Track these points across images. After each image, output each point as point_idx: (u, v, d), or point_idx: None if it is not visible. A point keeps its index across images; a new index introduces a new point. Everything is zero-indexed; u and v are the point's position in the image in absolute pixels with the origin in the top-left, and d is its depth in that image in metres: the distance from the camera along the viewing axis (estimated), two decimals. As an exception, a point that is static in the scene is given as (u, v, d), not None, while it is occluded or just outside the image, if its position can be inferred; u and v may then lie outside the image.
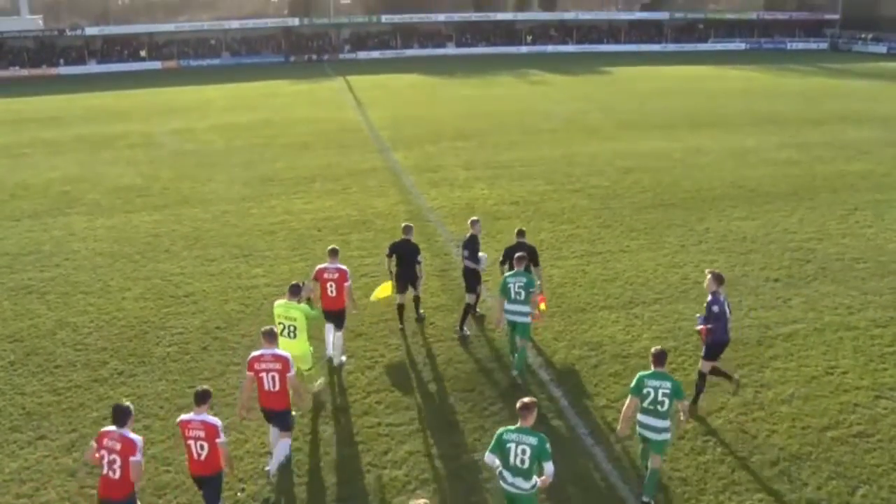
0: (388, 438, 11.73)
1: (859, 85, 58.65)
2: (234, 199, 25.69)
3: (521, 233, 14.81)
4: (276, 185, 27.53)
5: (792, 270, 18.35)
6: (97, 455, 8.82)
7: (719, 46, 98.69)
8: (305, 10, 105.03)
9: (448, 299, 16.98)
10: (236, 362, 14.12)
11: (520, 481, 8.67)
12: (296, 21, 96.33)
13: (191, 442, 9.28)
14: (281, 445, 10.79)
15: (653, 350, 10.20)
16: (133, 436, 8.81)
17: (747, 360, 13.91)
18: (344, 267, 13.70)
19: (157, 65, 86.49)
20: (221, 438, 9.24)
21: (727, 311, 11.94)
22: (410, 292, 15.41)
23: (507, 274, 13.50)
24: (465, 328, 15.24)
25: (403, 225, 15.51)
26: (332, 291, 13.43)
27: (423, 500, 7.78)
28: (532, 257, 14.14)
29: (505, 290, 13.06)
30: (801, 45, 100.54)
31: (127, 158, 33.34)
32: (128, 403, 9.08)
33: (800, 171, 28.33)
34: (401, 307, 15.37)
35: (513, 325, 13.31)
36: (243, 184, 27.89)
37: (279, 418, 10.73)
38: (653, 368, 10.00)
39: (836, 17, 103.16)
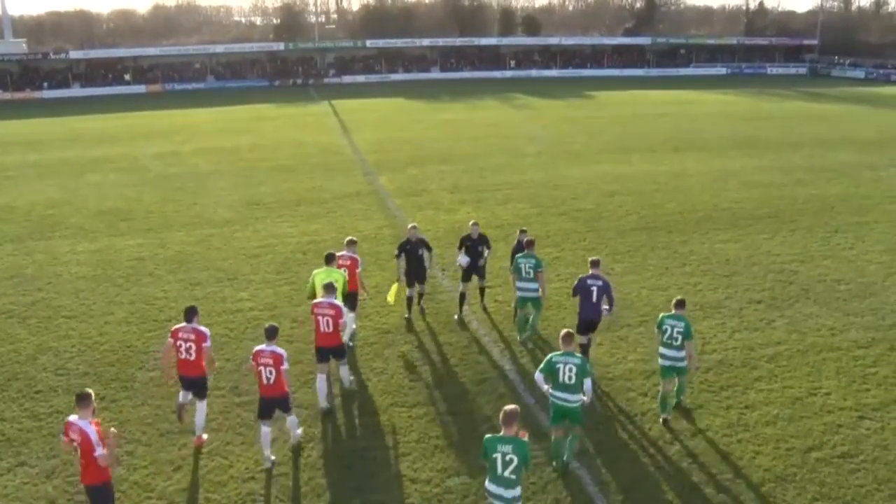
0: (373, 462, 11.67)
1: (838, 109, 59.45)
2: (219, 223, 25.63)
3: (523, 232, 16.70)
4: (261, 209, 27.49)
5: (775, 292, 18.48)
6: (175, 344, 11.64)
7: (701, 71, 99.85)
8: (290, 34, 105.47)
9: (433, 321, 16.96)
10: (220, 387, 14.02)
11: (569, 395, 10.84)
12: (280, 45, 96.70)
13: (261, 369, 11.32)
14: (290, 421, 12.01)
15: (675, 300, 12.65)
16: (203, 328, 11.78)
17: (731, 382, 13.96)
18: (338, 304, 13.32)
19: (141, 88, 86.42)
20: (285, 366, 11.31)
21: (593, 292, 13.80)
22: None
23: (518, 255, 15.51)
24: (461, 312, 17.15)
25: (410, 226, 17.01)
26: (326, 327, 13.07)
27: None
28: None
29: (517, 269, 15.28)
30: (780, 70, 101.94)
31: (111, 182, 33.22)
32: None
33: (781, 194, 28.61)
34: (409, 299, 16.96)
35: (524, 301, 15.39)
36: (228, 207, 27.84)
37: (282, 405, 11.75)
38: (674, 311, 12.43)
39: (815, 42, 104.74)
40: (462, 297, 17.12)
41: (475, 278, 17.16)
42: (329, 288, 13.15)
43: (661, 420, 12.60)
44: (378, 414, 13.13)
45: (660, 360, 12.58)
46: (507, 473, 8.99)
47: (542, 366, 11.03)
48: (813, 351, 15.24)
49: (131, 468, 11.34)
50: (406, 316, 17.03)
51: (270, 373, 11.31)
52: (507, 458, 8.98)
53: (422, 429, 12.61)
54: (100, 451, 9.13)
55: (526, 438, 9.18)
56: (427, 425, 12.71)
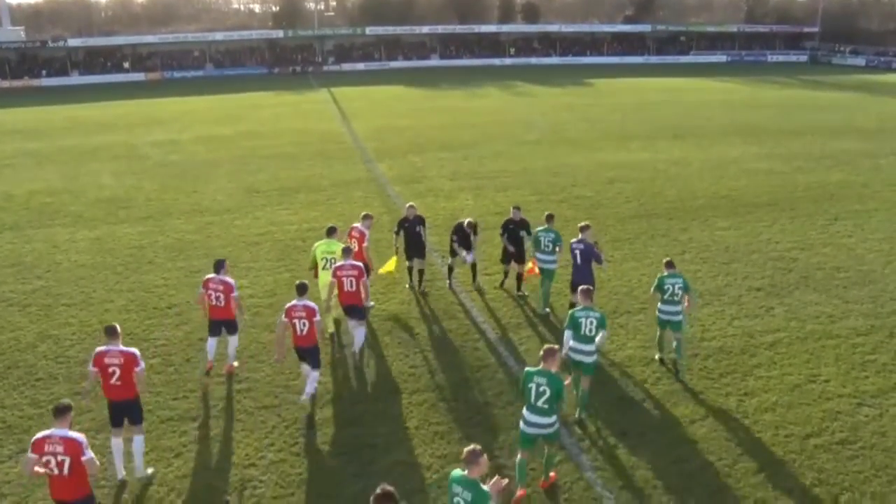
0: (372, 449, 11.70)
1: (838, 97, 59.34)
2: (219, 211, 25.62)
3: (517, 208, 17.54)
4: (261, 197, 27.48)
5: (774, 280, 18.49)
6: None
7: (701, 58, 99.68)
8: (289, 21, 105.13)
9: (433, 307, 16.99)
10: (220, 374, 14.05)
11: (589, 347, 11.93)
12: (279, 33, 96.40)
13: (296, 321, 12.40)
14: (313, 377, 12.83)
15: (665, 261, 13.97)
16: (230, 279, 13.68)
17: (730, 369, 13.99)
18: (359, 263, 14.52)
19: (140, 76, 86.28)
20: (318, 318, 12.44)
21: (577, 255, 15.17)
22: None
23: (539, 229, 16.42)
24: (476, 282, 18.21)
25: (408, 205, 18.01)
26: (350, 286, 14.20)
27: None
28: (526, 228, 17.17)
29: (536, 243, 16.27)
30: (781, 58, 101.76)
31: (110, 170, 33.18)
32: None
33: (781, 182, 28.60)
34: (410, 269, 17.96)
35: (542, 272, 16.32)
36: (227, 195, 27.83)
37: (311, 355, 12.74)
38: (667, 271, 13.66)
39: (816, 29, 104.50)
40: (505, 275, 18.09)
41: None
42: (347, 251, 14.43)
43: (657, 358, 14.31)
44: (378, 400, 13.16)
45: (658, 315, 13.85)
46: (540, 403, 10.07)
47: (567, 323, 12.16)
48: (812, 338, 15.27)
49: (129, 454, 11.36)
50: (409, 284, 18.16)
51: (304, 325, 12.49)
52: (541, 389, 10.05)
53: (422, 415, 12.64)
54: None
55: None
56: (427, 412, 12.74)
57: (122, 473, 10.96)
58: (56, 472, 8.75)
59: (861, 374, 13.77)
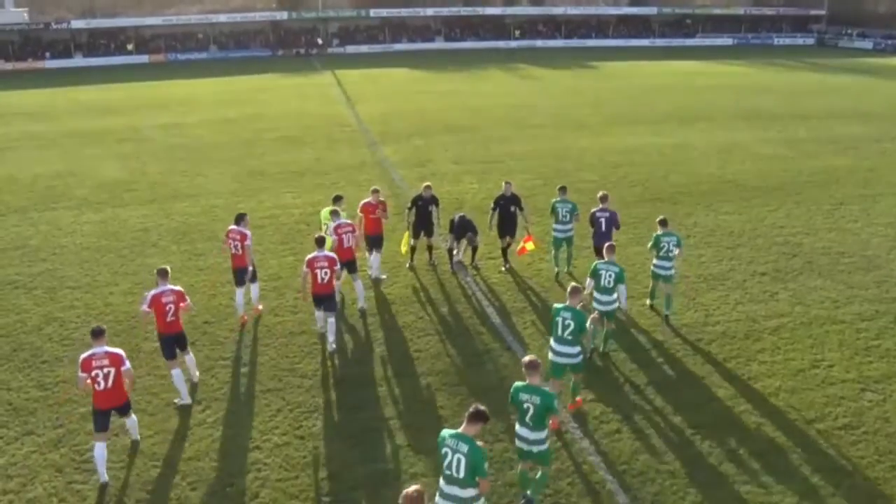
0: (378, 432, 11.75)
1: (845, 80, 58.96)
2: (223, 194, 25.62)
3: (508, 183, 18.15)
4: (265, 180, 27.46)
5: (779, 265, 18.46)
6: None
7: (707, 41, 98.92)
8: (294, 3, 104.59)
9: (436, 293, 17.00)
10: (225, 357, 14.12)
11: (607, 297, 13.40)
12: (284, 15, 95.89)
13: (318, 270, 13.91)
14: (331, 324, 14.25)
15: (659, 219, 15.59)
16: (246, 230, 15.37)
17: (734, 354, 14.00)
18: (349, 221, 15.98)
19: (144, 58, 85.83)
20: (338, 266, 14.27)
21: (602, 223, 16.60)
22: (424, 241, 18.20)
23: (556, 200, 17.54)
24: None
25: (424, 185, 18.22)
26: (348, 242, 15.58)
27: (414, 488, 7.76)
28: (517, 203, 17.85)
29: (555, 213, 17.35)
30: (787, 41, 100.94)
31: (115, 153, 33.16)
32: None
33: (787, 166, 28.49)
34: (413, 249, 18.08)
35: (559, 241, 17.46)
36: (232, 178, 27.81)
37: (329, 301, 14.24)
38: (661, 230, 15.14)
39: (823, 12, 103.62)
40: (503, 251, 18.47)
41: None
42: (336, 213, 15.77)
43: (648, 304, 15.98)
44: (382, 384, 13.20)
45: (653, 269, 15.41)
46: (566, 334, 11.50)
47: (590, 272, 13.54)
48: (816, 323, 15.26)
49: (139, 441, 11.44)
50: (409, 265, 18.34)
51: (326, 273, 14.00)
52: (567, 322, 11.43)
53: (426, 399, 12.68)
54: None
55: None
56: (431, 396, 12.79)
57: (104, 477, 10.58)
58: (102, 385, 10.48)
59: (865, 360, 13.77)
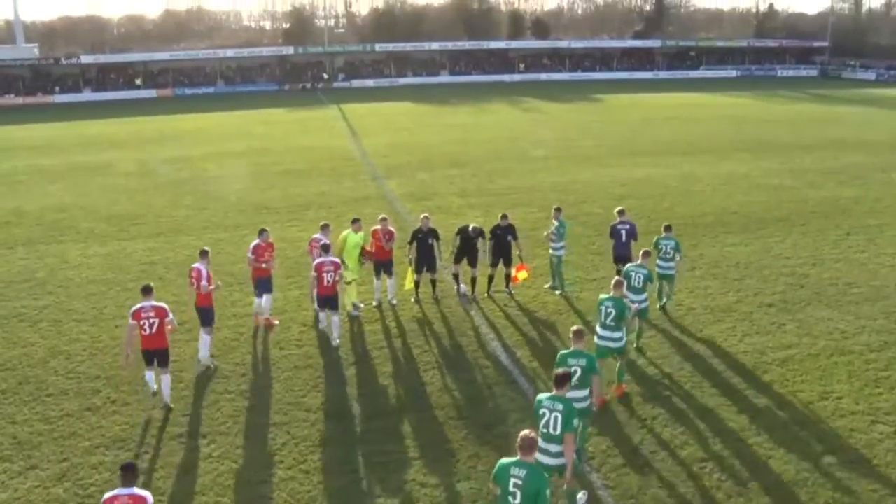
0: (383, 467, 11.65)
1: (849, 111, 59.20)
2: (229, 227, 25.71)
3: (504, 216, 18.59)
4: (271, 213, 27.55)
5: (786, 296, 18.39)
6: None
7: (711, 73, 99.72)
8: (300, 38, 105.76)
9: (441, 326, 16.97)
10: (230, 390, 14.06)
11: (638, 297, 14.66)
12: (290, 50, 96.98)
13: (325, 274, 15.43)
14: (335, 322, 15.85)
15: (664, 225, 17.57)
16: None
17: (742, 386, 13.89)
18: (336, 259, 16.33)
19: (152, 93, 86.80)
20: (341, 270, 15.78)
21: (622, 234, 18.00)
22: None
23: (660, 237, 17.71)
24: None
25: (422, 216, 18.38)
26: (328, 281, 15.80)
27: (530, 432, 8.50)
28: (512, 232, 18.27)
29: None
30: (791, 72, 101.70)
31: (121, 186, 33.36)
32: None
33: (792, 197, 28.50)
34: (417, 283, 18.12)
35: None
36: (238, 211, 27.92)
37: (333, 301, 15.67)
38: (663, 234, 17.02)
39: (825, 44, 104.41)
40: (490, 279, 18.68)
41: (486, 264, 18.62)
42: (326, 248, 16.19)
43: (658, 307, 17.30)
44: (387, 417, 13.12)
45: (657, 269, 16.80)
46: (608, 321, 12.99)
47: (622, 275, 14.64)
48: (825, 354, 15.15)
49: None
50: (414, 298, 18.29)
51: (331, 276, 15.39)
52: (609, 310, 12.96)
53: (431, 433, 12.59)
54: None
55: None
56: (436, 430, 12.69)
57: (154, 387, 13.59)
58: (148, 331, 12.99)
59: (875, 391, 13.64)
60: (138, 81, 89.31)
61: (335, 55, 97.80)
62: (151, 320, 12.97)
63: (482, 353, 15.62)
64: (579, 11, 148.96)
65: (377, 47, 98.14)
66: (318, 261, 15.73)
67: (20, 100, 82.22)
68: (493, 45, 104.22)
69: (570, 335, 11.27)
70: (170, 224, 26.38)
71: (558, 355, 11.32)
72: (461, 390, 14.04)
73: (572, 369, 10.83)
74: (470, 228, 18.26)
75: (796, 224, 24.73)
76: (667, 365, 14.81)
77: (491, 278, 18.65)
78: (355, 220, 17.84)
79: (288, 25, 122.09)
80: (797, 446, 11.93)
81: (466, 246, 18.09)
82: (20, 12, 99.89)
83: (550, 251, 18.87)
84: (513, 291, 18.71)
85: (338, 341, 15.79)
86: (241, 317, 17.65)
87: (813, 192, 29.37)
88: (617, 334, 13.08)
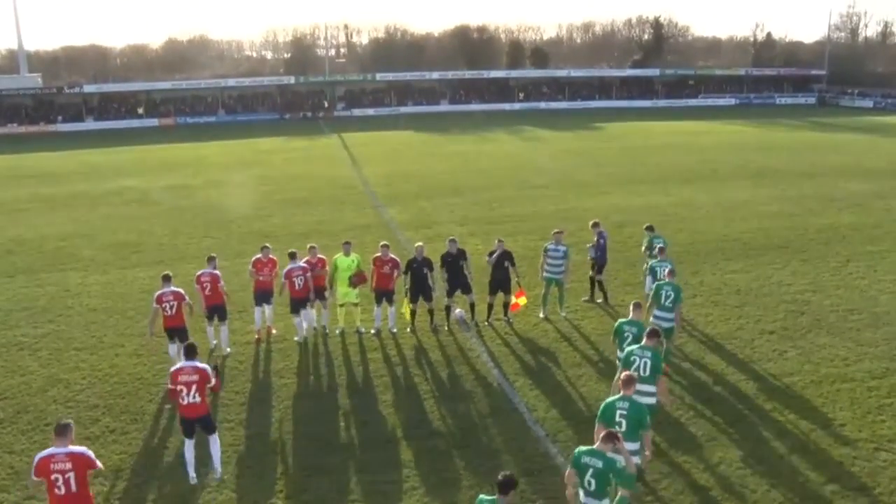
0: (383, 496, 11.57)
1: (847, 138, 59.47)
2: (230, 255, 25.71)
3: (500, 241, 18.67)
4: (272, 241, 27.36)
5: (787, 323, 18.35)
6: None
7: (709, 102, 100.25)
8: (301, 68, 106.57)
9: (439, 355, 16.92)
10: (229, 419, 14.00)
11: (665, 314, 14.95)
12: (291, 79, 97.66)
13: (295, 279, 17.19)
14: (307, 316, 17.60)
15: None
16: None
17: (744, 414, 13.82)
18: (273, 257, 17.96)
19: (153, 122, 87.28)
20: (309, 273, 17.43)
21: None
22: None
23: (548, 244, 18.70)
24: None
25: (417, 245, 18.54)
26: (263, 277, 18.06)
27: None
28: (510, 259, 18.26)
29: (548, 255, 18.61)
30: (789, 100, 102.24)
31: (123, 214, 33.46)
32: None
33: (792, 224, 28.54)
34: (413, 312, 17.94)
35: (550, 280, 18.53)
36: (238, 240, 27.96)
37: (305, 303, 17.43)
38: (668, 279, 15.74)
39: (823, 72, 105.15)
40: (489, 307, 18.65)
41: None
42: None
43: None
44: (388, 446, 13.05)
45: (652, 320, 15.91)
46: (667, 304, 14.84)
47: (652, 294, 15.41)
48: (826, 382, 15.10)
49: (140, 501, 11.28)
50: (409, 328, 18.16)
51: (301, 280, 17.12)
52: (668, 293, 14.96)
53: (431, 462, 12.51)
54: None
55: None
56: (436, 459, 12.62)
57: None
58: (169, 312, 15.48)
59: (878, 419, 13.57)
60: (140, 110, 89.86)
61: (336, 84, 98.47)
62: (171, 303, 15.34)
63: (482, 381, 15.56)
64: (578, 41, 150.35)
65: (378, 76, 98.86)
66: (287, 268, 17.28)
67: (23, 128, 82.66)
68: (493, 74, 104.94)
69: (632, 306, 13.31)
70: (171, 252, 26.41)
71: (626, 351, 12.28)
72: (461, 419, 13.98)
73: (642, 361, 11.70)
74: (449, 247, 18.17)
75: (796, 251, 24.75)
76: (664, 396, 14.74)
77: (490, 306, 18.61)
78: (346, 243, 18.14)
79: (289, 55, 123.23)
80: (800, 474, 11.85)
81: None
82: (24, 42, 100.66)
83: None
84: (511, 320, 18.64)
85: (304, 337, 17.60)
86: (240, 345, 17.63)
87: (813, 219, 29.42)
88: (671, 315, 14.98)
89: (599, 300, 19.96)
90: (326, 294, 18.15)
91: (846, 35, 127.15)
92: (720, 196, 34.43)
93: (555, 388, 15.11)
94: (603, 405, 10.48)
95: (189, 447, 11.85)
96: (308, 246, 18.50)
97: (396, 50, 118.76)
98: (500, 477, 8.40)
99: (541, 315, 18.83)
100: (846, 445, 12.68)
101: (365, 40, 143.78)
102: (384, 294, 17.88)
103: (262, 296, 17.76)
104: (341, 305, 18.03)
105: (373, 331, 18.03)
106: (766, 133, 64.75)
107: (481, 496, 8.53)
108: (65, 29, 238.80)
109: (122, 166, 50.53)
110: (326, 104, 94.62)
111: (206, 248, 26.80)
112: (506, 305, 18.57)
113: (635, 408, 10.23)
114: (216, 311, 17.13)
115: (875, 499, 11.18)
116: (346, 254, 17.91)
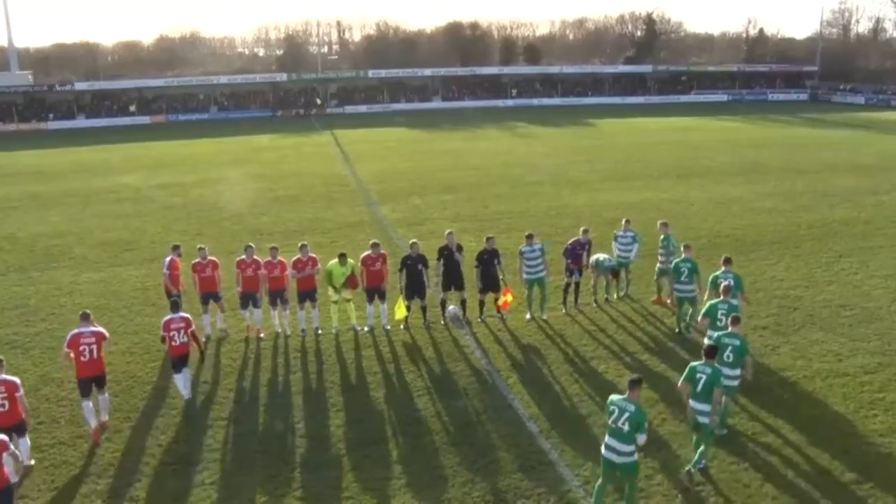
0: (377, 493, 11.57)
1: (839, 134, 59.65)
2: (223, 253, 25.56)
3: (490, 239, 18.71)
4: (265, 239, 27.43)
5: (780, 318, 18.41)
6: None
7: (702, 98, 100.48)
8: (293, 65, 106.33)
9: (433, 352, 16.92)
10: (223, 417, 13.98)
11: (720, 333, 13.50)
12: (283, 76, 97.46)
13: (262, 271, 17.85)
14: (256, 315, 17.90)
15: (683, 245, 18.92)
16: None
17: (737, 410, 13.86)
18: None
19: (145, 119, 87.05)
20: (288, 271, 17.81)
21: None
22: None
23: (523, 248, 18.63)
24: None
25: (411, 242, 18.42)
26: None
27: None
28: (497, 257, 18.32)
29: (524, 255, 18.55)
30: (781, 96, 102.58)
31: (115, 212, 33.34)
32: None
33: (785, 220, 28.62)
34: (408, 308, 17.94)
35: (531, 282, 18.53)
36: (231, 237, 27.88)
37: (282, 295, 17.79)
38: (684, 254, 17.48)
39: (815, 68, 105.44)
40: (481, 304, 18.67)
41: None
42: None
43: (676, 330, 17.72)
44: (381, 444, 13.05)
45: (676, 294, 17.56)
46: (683, 279, 17.05)
47: (703, 311, 14.80)
48: (819, 377, 15.15)
49: (133, 501, 11.25)
50: (403, 325, 18.14)
51: (277, 272, 17.62)
52: (683, 270, 17.11)
53: (426, 459, 12.52)
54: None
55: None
56: (430, 456, 12.62)
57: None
58: (87, 357, 13.54)
59: (870, 413, 13.63)
60: (132, 108, 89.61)
61: (328, 82, 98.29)
62: (91, 346, 13.46)
63: (475, 378, 15.57)
64: (571, 37, 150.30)
65: (370, 73, 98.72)
66: (264, 260, 17.94)
67: (14, 126, 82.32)
68: (486, 70, 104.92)
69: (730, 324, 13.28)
70: (163, 250, 26.16)
71: (689, 367, 11.95)
72: (455, 416, 13.98)
73: (698, 377, 11.63)
74: (448, 240, 18.25)
75: (789, 247, 24.82)
76: (661, 389, 14.78)
77: (482, 304, 18.63)
78: (342, 255, 18.04)
79: (281, 52, 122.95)
80: (793, 469, 11.89)
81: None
82: (14, 39, 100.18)
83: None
84: (504, 316, 18.68)
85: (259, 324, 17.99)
86: (233, 342, 17.59)
87: (805, 215, 29.50)
88: (691, 287, 17.09)
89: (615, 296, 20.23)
90: (317, 294, 18.08)
91: (838, 31, 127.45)
92: (713, 192, 34.50)
93: (549, 384, 15.13)
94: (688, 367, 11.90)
95: (179, 378, 14.66)
96: (299, 244, 18.41)
97: (389, 47, 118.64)
98: (633, 377, 10.88)
99: (527, 317, 18.72)
100: (839, 440, 12.72)
101: (357, 37, 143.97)
102: (375, 291, 17.90)
103: (249, 296, 17.86)
104: (335, 302, 17.96)
105: (366, 328, 18.03)
106: (759, 129, 64.89)
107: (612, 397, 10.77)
108: (56, 26, 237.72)
109: (114, 164, 50.34)
110: (319, 101, 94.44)
111: (199, 245, 26.68)
112: (496, 302, 18.60)
113: (716, 372, 11.62)
114: (211, 296, 18.21)
115: (867, 493, 11.23)
116: (342, 264, 17.81)
